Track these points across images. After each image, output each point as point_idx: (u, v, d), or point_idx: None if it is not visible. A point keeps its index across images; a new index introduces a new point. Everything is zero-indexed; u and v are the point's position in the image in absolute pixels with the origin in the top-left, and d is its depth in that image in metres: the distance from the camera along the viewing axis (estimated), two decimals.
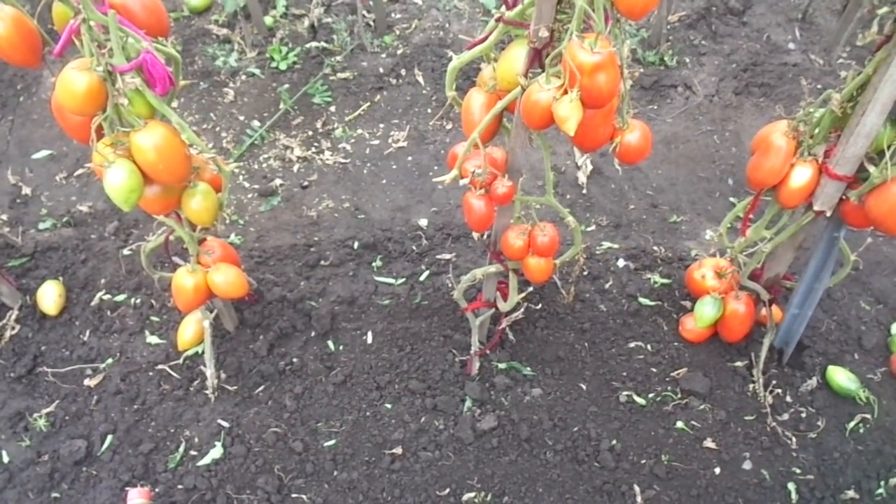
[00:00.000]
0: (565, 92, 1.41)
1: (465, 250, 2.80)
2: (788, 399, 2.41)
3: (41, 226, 2.88)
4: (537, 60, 1.54)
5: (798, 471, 2.26)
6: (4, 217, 2.90)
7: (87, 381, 2.41)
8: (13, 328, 2.52)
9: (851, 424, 2.35)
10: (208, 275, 2.12)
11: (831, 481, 2.24)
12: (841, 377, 2.41)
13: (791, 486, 2.23)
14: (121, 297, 2.62)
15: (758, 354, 2.40)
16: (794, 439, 2.32)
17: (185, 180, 1.79)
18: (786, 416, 2.37)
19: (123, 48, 1.52)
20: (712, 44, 3.60)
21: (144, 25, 1.61)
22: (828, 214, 1.96)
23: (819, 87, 3.36)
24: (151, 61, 1.55)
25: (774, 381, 2.43)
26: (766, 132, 1.96)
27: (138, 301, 2.61)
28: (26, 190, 3.02)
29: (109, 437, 2.27)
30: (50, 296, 2.54)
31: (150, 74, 1.57)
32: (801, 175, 1.89)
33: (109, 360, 2.46)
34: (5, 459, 2.23)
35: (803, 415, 2.38)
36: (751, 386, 2.42)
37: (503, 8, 1.61)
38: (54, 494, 2.16)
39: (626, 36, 3.22)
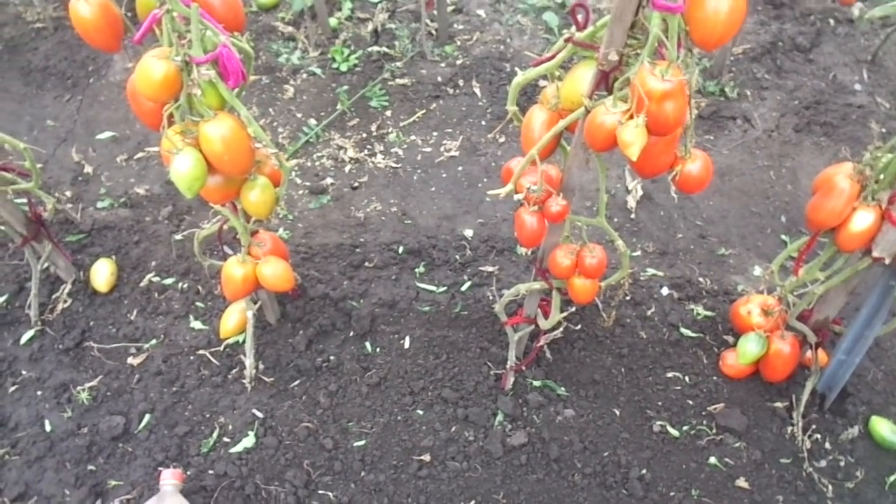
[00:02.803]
0: (631, 117, 1.42)
1: (508, 264, 2.80)
2: (827, 446, 2.35)
3: (99, 204, 2.97)
4: (604, 83, 1.55)
5: None
6: (68, 193, 2.99)
7: (130, 360, 2.47)
8: (65, 301, 2.59)
9: (892, 478, 2.29)
10: (258, 266, 2.16)
11: None
12: (884, 429, 2.35)
13: None
14: (169, 281, 2.69)
15: (799, 397, 2.35)
16: (830, 487, 2.26)
17: (246, 173, 1.84)
18: (823, 463, 2.32)
19: (202, 41, 1.56)
20: (776, 78, 3.56)
21: (222, 20, 1.65)
22: (886, 262, 1.91)
23: (884, 130, 3.29)
24: (227, 55, 1.59)
25: (814, 426, 2.38)
26: (830, 173, 1.92)
27: (185, 286, 2.67)
28: (88, 169, 3.12)
29: (147, 417, 2.33)
30: (102, 273, 2.62)
31: (224, 67, 1.61)
32: (863, 220, 1.86)
33: (153, 341, 2.51)
34: (48, 428, 2.29)
35: (842, 463, 2.32)
36: (789, 428, 2.37)
37: (573, 28, 1.62)
38: (90, 467, 2.22)
39: (696, 65, 3.20)
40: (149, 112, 1.72)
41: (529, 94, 3.32)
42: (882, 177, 1.81)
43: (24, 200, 2.43)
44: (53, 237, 2.54)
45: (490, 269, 2.77)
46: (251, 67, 1.75)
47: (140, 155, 3.20)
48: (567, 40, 1.62)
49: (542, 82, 1.82)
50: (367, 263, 2.78)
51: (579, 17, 1.61)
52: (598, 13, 1.51)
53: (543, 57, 1.71)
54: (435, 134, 3.35)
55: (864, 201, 1.86)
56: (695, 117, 3.34)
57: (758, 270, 2.86)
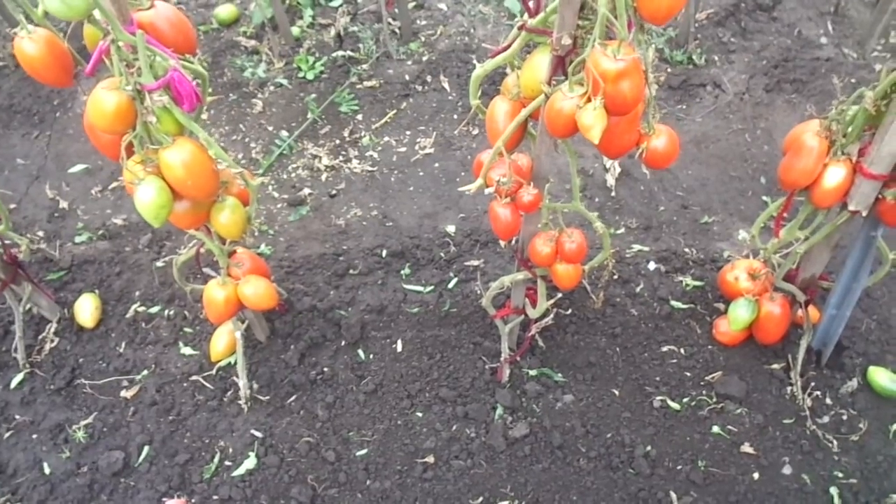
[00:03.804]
0: (589, 100, 1.40)
1: (493, 256, 2.79)
2: (828, 401, 2.35)
3: (77, 239, 2.94)
4: (561, 68, 1.53)
5: (840, 475, 2.21)
6: (40, 234, 2.96)
7: (123, 393, 2.45)
8: (52, 341, 2.57)
9: (895, 427, 2.29)
10: (238, 287, 2.14)
11: (875, 485, 2.18)
12: (883, 378, 2.35)
13: (833, 490, 2.18)
14: (155, 309, 2.67)
15: (795, 356, 2.35)
16: (835, 442, 2.26)
17: (213, 195, 1.82)
18: (826, 419, 2.32)
19: (151, 67, 1.54)
20: (742, 40, 3.54)
21: (172, 43, 1.63)
22: (864, 214, 1.91)
23: (853, 81, 3.28)
24: (179, 79, 1.57)
25: (813, 384, 2.38)
26: (798, 132, 1.92)
27: (172, 312, 2.65)
28: (63, 204, 3.09)
29: (146, 448, 2.31)
30: (87, 308, 2.59)
31: (177, 92, 1.59)
32: (835, 175, 1.85)
33: (145, 372, 2.49)
34: (47, 471, 2.27)
35: (844, 417, 2.32)
36: (788, 389, 2.37)
37: (526, 15, 1.61)
38: None
39: (652, 38, 3.19)
40: (108, 144, 1.70)
41: (498, 83, 3.30)
42: (850, 130, 1.81)
43: None
44: (33, 277, 2.51)
45: (475, 263, 2.76)
46: (207, 88, 1.73)
47: (114, 185, 3.17)
48: (520, 28, 1.61)
49: (508, 70, 1.80)
50: (351, 271, 2.76)
51: (531, 4, 1.59)
52: None
53: (500, 47, 1.70)
54: (408, 133, 3.33)
55: (835, 157, 1.85)
56: (664, 88, 3.34)
57: (742, 235, 2.84)
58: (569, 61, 1.51)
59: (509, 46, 1.67)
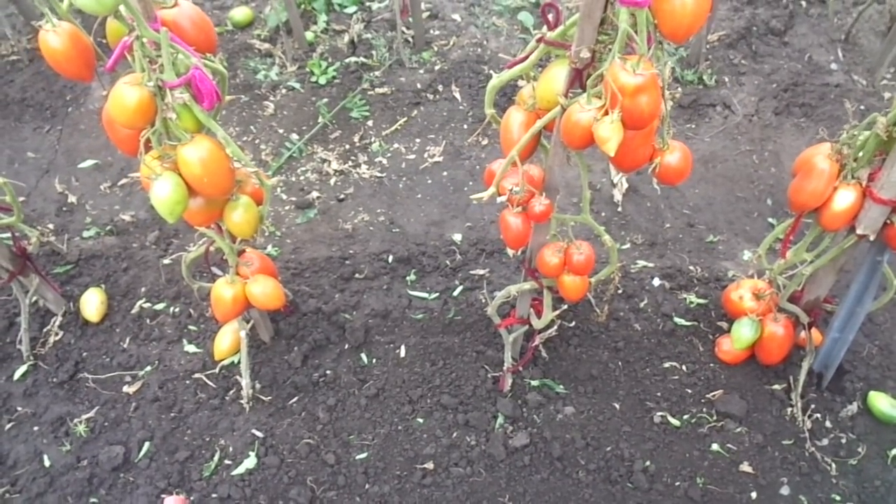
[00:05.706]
0: (606, 113, 1.42)
1: (498, 266, 2.80)
2: (828, 424, 2.36)
3: (85, 234, 2.96)
4: (578, 81, 1.55)
5: (838, 498, 2.21)
6: (51, 226, 2.97)
7: (126, 388, 2.46)
8: (57, 334, 2.58)
9: (894, 452, 2.30)
10: (246, 286, 2.15)
11: None
12: (883, 403, 2.36)
13: None
14: (160, 306, 2.67)
15: (796, 378, 2.36)
16: (833, 465, 2.27)
17: (228, 193, 1.83)
18: (825, 442, 2.33)
19: (173, 64, 1.56)
20: (752, 63, 3.57)
21: (193, 42, 1.65)
22: (871, 239, 1.92)
23: (862, 108, 3.31)
24: (200, 77, 1.59)
25: (813, 406, 2.39)
26: (809, 154, 1.93)
27: (177, 310, 2.66)
28: (72, 198, 3.10)
29: (147, 444, 2.31)
30: (92, 303, 2.60)
31: (198, 90, 1.60)
32: (844, 198, 1.86)
33: (148, 368, 2.50)
34: (47, 463, 2.28)
35: (843, 441, 2.33)
36: (789, 410, 2.38)
37: (544, 28, 1.63)
38: (92, 500, 2.20)
39: (668, 56, 3.22)
40: (125, 139, 1.71)
41: (509, 95, 3.33)
42: (860, 154, 1.82)
43: (8, 235, 2.42)
44: (40, 270, 2.52)
45: (481, 271, 2.77)
46: (226, 87, 1.75)
47: (123, 181, 3.19)
48: (539, 40, 1.62)
49: (520, 82, 1.82)
50: (357, 275, 2.77)
51: (550, 17, 1.61)
52: (570, 11, 1.52)
53: (517, 58, 1.71)
54: (418, 141, 3.35)
55: (845, 180, 1.87)
56: (674, 106, 3.36)
57: (747, 255, 2.87)
58: (586, 74, 1.52)
59: (526, 58, 1.68)
